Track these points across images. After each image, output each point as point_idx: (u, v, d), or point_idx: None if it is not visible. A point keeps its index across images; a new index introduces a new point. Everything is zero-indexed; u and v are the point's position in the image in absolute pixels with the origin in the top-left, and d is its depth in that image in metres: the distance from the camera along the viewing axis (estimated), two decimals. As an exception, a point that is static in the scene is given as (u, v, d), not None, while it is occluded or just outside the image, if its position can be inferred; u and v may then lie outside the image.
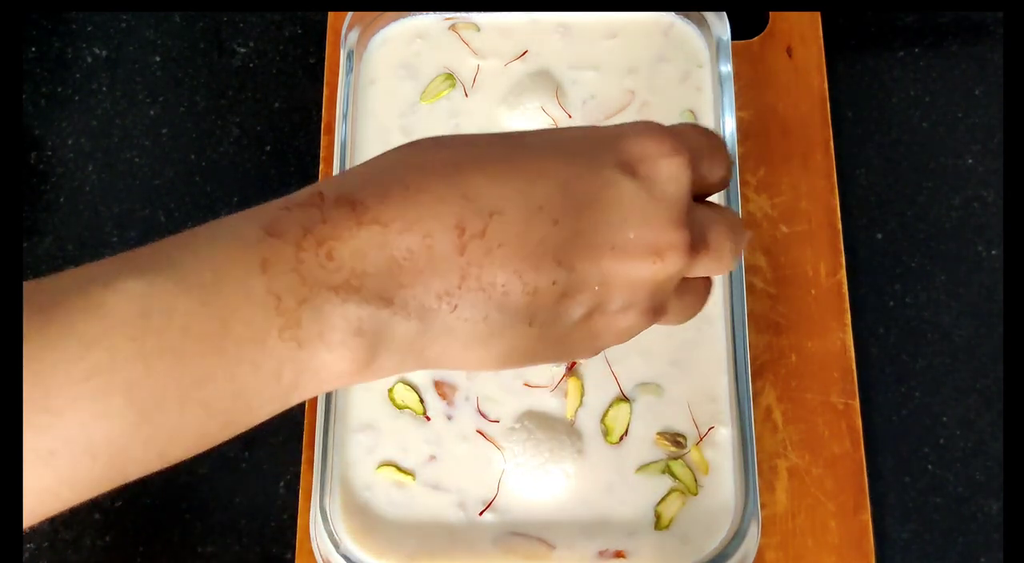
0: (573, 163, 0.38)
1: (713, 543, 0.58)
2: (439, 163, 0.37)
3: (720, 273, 0.41)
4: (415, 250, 0.36)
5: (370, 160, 0.39)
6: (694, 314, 0.43)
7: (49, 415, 0.33)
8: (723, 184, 0.42)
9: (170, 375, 0.34)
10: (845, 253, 0.67)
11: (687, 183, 0.39)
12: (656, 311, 0.40)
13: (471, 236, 0.36)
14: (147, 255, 0.35)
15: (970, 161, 0.71)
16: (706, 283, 0.43)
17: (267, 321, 0.35)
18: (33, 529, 0.64)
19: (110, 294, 0.34)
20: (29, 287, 0.34)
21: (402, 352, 0.37)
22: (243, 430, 0.37)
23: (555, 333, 0.39)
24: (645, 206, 0.38)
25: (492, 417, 0.61)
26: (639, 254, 0.38)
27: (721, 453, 0.60)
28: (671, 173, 0.38)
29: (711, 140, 0.41)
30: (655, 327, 0.61)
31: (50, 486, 0.34)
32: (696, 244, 0.39)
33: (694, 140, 0.40)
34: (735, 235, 0.41)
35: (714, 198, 0.63)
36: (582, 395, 0.61)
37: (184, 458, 0.36)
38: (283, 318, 0.35)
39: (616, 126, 0.40)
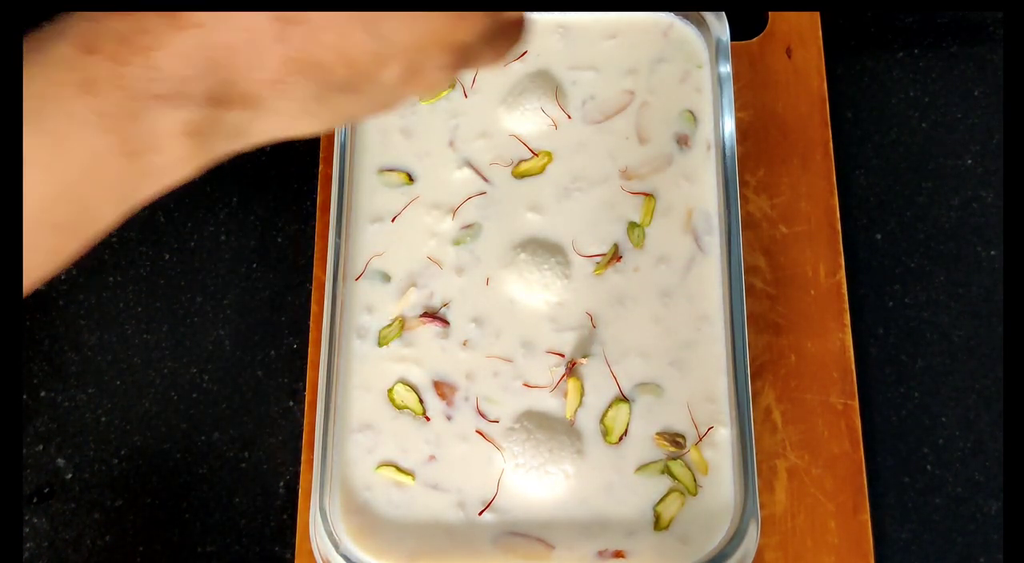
0: None
1: (712, 543, 0.58)
2: None
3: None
4: (236, 45, 0.36)
5: None
6: (509, 52, 0.43)
7: None
8: None
9: None
10: (844, 253, 0.67)
11: None
12: (461, 63, 0.41)
13: (289, 23, 0.36)
14: None
15: (969, 162, 0.71)
16: (517, 21, 0.43)
17: (98, 140, 0.35)
18: (33, 529, 0.64)
19: None
20: None
21: (233, 137, 0.38)
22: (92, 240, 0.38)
23: (375, 96, 0.40)
24: None
25: (492, 417, 0.61)
26: (438, 16, 0.38)
27: (720, 453, 0.60)
28: None
29: None
30: (653, 327, 0.62)
31: None
32: None
33: None
34: None
35: (712, 199, 0.64)
36: (582, 395, 0.61)
37: (35, 277, 0.37)
38: (113, 136, 0.35)
39: None
